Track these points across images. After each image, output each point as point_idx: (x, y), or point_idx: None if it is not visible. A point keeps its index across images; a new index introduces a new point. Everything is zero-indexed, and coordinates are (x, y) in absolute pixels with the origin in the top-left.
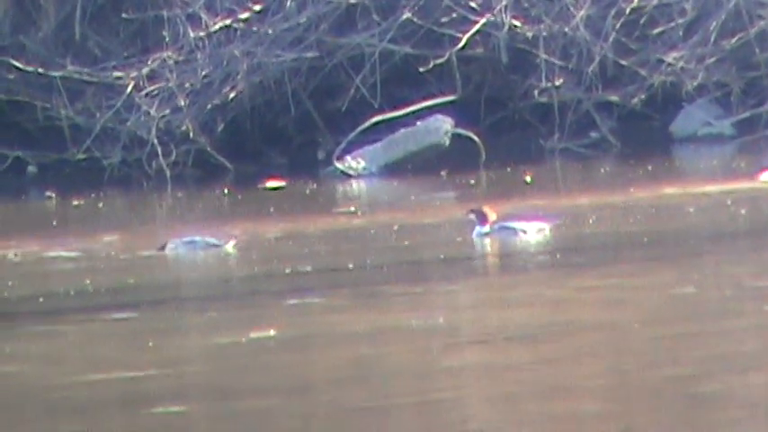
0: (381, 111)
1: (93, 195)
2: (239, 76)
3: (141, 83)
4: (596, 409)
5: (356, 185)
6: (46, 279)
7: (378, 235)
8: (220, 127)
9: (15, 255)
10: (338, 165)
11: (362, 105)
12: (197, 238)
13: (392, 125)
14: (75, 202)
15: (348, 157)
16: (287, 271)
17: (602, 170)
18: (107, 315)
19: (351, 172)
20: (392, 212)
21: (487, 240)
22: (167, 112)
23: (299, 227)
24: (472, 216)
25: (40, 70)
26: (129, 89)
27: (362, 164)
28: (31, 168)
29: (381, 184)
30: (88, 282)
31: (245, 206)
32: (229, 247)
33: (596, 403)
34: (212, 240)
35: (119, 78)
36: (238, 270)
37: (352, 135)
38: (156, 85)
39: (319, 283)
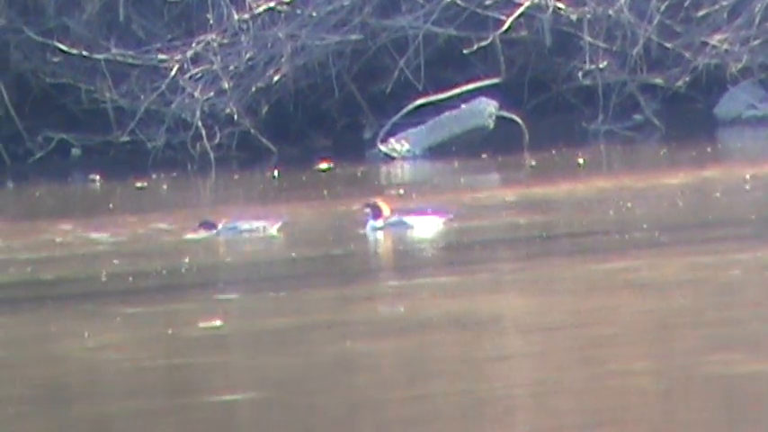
0: (425, 93)
1: (151, 178)
2: (283, 59)
3: (185, 65)
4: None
5: (400, 168)
6: (87, 262)
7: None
8: (264, 109)
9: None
10: (382, 147)
11: (406, 88)
12: (241, 222)
13: (436, 108)
14: (139, 184)
15: (392, 140)
16: (336, 253)
17: (647, 152)
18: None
19: (395, 154)
20: (437, 195)
21: (380, 234)
22: (211, 94)
23: (345, 210)
24: (367, 210)
25: (85, 53)
26: (173, 72)
27: (406, 146)
28: (76, 151)
29: (425, 166)
30: (125, 264)
31: (294, 188)
32: (274, 230)
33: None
34: (256, 224)
35: (163, 61)
36: (283, 253)
37: (396, 117)
38: (201, 68)
39: (365, 267)
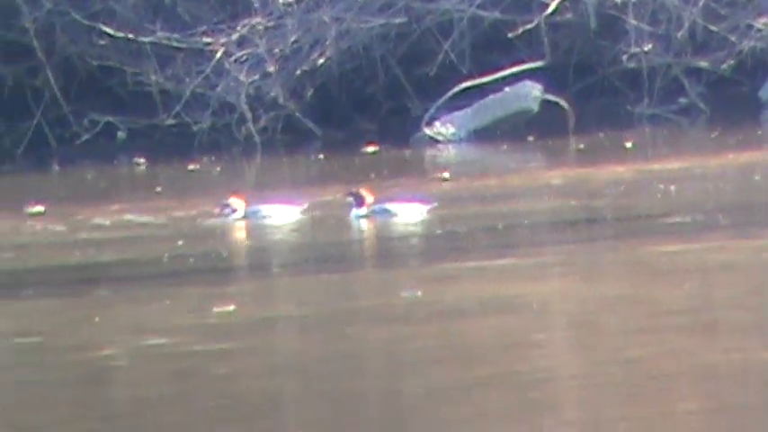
0: (470, 76)
1: (207, 160)
2: (328, 42)
3: (231, 48)
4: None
5: (445, 151)
6: (136, 244)
7: (467, 201)
8: (309, 93)
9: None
10: (427, 131)
11: (451, 71)
12: (264, 206)
13: (481, 91)
14: (191, 167)
15: (437, 123)
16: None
17: (692, 136)
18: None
19: (439, 138)
20: (481, 178)
21: (364, 222)
22: (256, 77)
23: (391, 193)
24: (350, 198)
25: (131, 36)
26: (218, 55)
27: (451, 130)
28: (121, 134)
29: (470, 149)
30: (180, 247)
31: (340, 171)
32: (298, 213)
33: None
34: (280, 207)
35: (208, 44)
36: (303, 238)
37: (440, 101)
38: (246, 51)
39: (405, 251)
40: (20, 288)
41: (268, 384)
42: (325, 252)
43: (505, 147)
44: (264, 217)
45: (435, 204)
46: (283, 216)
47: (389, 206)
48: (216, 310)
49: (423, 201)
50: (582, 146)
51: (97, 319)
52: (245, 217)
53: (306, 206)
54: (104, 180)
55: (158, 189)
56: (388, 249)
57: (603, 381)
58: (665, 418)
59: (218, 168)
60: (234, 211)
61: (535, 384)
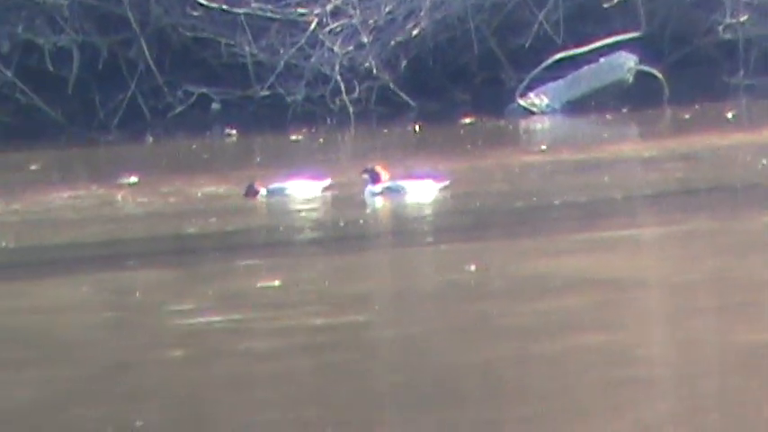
0: (565, 47)
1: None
2: (422, 13)
3: (325, 19)
4: None
5: (539, 122)
6: (225, 215)
7: (560, 172)
8: (403, 64)
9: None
10: (521, 102)
11: (546, 42)
12: (287, 184)
13: (576, 62)
14: (293, 137)
15: (531, 94)
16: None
17: None
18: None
19: (533, 109)
20: (577, 150)
21: (379, 199)
22: (351, 48)
23: (493, 163)
24: (365, 176)
25: (225, 7)
26: (312, 26)
27: (545, 101)
28: (215, 105)
29: (565, 120)
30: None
31: (436, 143)
32: (320, 190)
33: None
34: (306, 183)
35: (302, 15)
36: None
37: (535, 72)
38: (340, 22)
39: (485, 221)
40: (121, 259)
41: (364, 360)
42: (375, 228)
43: (599, 118)
44: (288, 194)
45: (448, 182)
46: (304, 192)
47: (402, 183)
48: (260, 284)
49: (436, 178)
50: (687, 116)
51: (211, 292)
52: (267, 195)
53: (328, 183)
54: (199, 151)
55: (258, 159)
56: (451, 224)
57: (699, 357)
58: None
59: (321, 140)
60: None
61: (628, 360)
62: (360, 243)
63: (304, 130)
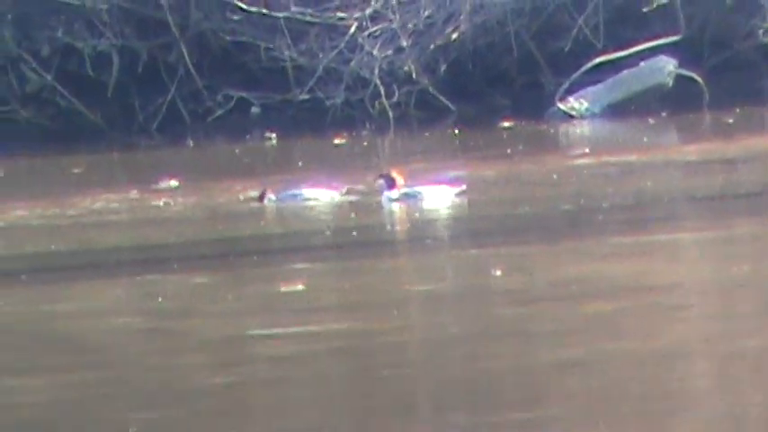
0: (604, 51)
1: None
2: (462, 17)
3: (364, 23)
4: None
5: (579, 126)
6: (263, 221)
7: (601, 176)
8: (443, 68)
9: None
10: (561, 106)
11: (585, 46)
12: (300, 191)
13: (615, 66)
14: (337, 141)
15: (571, 98)
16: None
17: None
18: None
19: (573, 113)
20: (619, 153)
21: (396, 205)
22: (390, 52)
23: (532, 167)
24: (381, 181)
25: (265, 11)
26: (352, 30)
27: (585, 105)
28: (255, 109)
29: (605, 124)
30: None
31: (476, 146)
32: (335, 198)
33: None
34: (318, 191)
35: (342, 19)
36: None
37: (574, 76)
38: (380, 26)
39: (521, 226)
40: (158, 263)
41: (406, 362)
42: (403, 233)
43: (639, 122)
44: (307, 200)
45: (464, 187)
46: (324, 197)
47: (418, 189)
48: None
49: (452, 183)
50: (730, 120)
51: (235, 296)
52: (279, 200)
53: (344, 190)
54: (240, 155)
55: (300, 163)
56: (476, 229)
57: (741, 364)
58: None
59: (366, 143)
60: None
61: (666, 367)
62: (390, 248)
63: (345, 134)
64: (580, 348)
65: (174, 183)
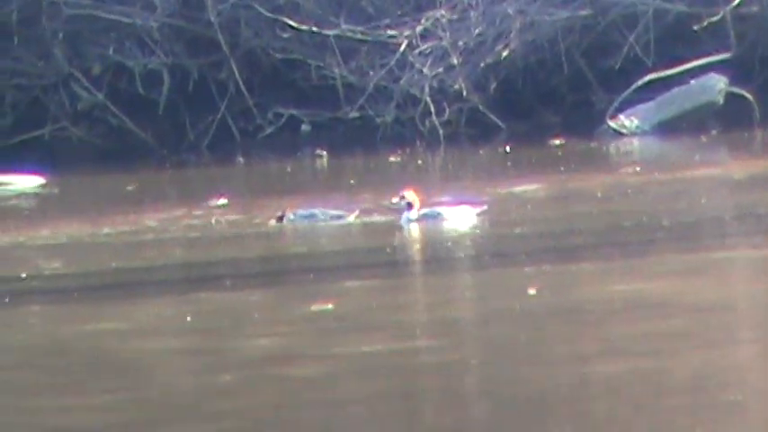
0: (655, 69)
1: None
2: (512, 35)
3: (415, 41)
4: None
5: (629, 144)
6: (318, 236)
7: (652, 194)
8: (493, 86)
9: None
10: (611, 123)
11: (636, 64)
12: (317, 211)
13: (666, 83)
14: (392, 159)
15: (621, 116)
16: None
17: None
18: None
19: (623, 130)
20: (671, 171)
21: (415, 225)
22: (440, 70)
23: (580, 185)
24: (400, 201)
25: (315, 29)
26: (402, 48)
27: (636, 122)
28: (305, 127)
29: (655, 142)
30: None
31: (527, 164)
32: (351, 218)
33: None
34: (334, 212)
35: (392, 37)
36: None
37: (625, 94)
38: (430, 44)
39: (549, 244)
40: (216, 280)
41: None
42: (433, 254)
43: (689, 140)
44: (322, 220)
45: (485, 207)
46: (333, 219)
47: (439, 209)
48: (314, 308)
49: (473, 203)
50: None
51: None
52: (293, 221)
53: (357, 212)
54: (291, 173)
55: (352, 181)
56: (507, 246)
57: None
58: None
59: (420, 161)
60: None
61: (714, 385)
62: (420, 268)
63: (398, 152)
64: (634, 366)
65: (223, 201)
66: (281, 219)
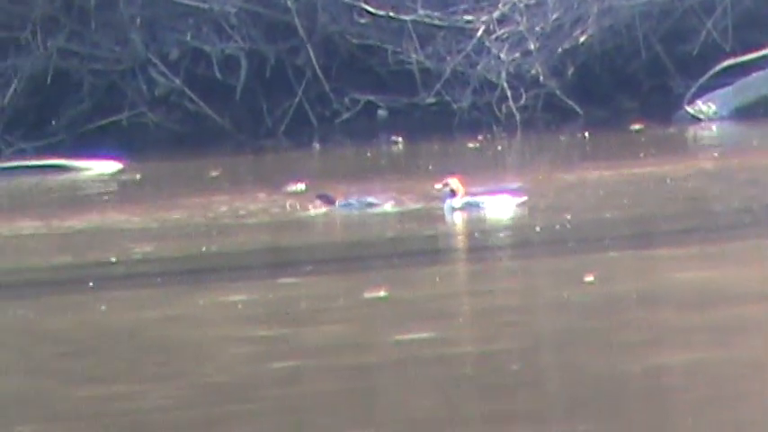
0: (733, 55)
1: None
2: (590, 20)
3: (492, 26)
4: None
5: (707, 129)
6: (395, 223)
7: (730, 180)
8: (570, 71)
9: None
10: (689, 109)
11: (714, 49)
12: (353, 200)
13: (744, 69)
14: (471, 145)
15: (699, 102)
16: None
17: None
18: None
19: (701, 116)
20: (744, 156)
21: (458, 214)
22: (517, 55)
23: (655, 170)
24: (445, 188)
25: (392, 14)
26: (479, 33)
27: (713, 108)
28: (382, 112)
29: (733, 128)
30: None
31: (606, 150)
32: (388, 206)
33: None
34: (371, 200)
35: (469, 22)
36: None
37: (703, 79)
38: (507, 29)
39: (614, 228)
40: (298, 265)
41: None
42: (485, 241)
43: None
44: (368, 206)
45: (525, 198)
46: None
47: (479, 198)
48: (367, 295)
49: (513, 193)
50: None
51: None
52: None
53: (393, 201)
54: (369, 158)
55: (430, 167)
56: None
57: None
58: None
59: (499, 147)
60: (331, 201)
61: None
62: (475, 255)
63: (476, 138)
64: (688, 355)
65: (301, 186)
66: (327, 201)
